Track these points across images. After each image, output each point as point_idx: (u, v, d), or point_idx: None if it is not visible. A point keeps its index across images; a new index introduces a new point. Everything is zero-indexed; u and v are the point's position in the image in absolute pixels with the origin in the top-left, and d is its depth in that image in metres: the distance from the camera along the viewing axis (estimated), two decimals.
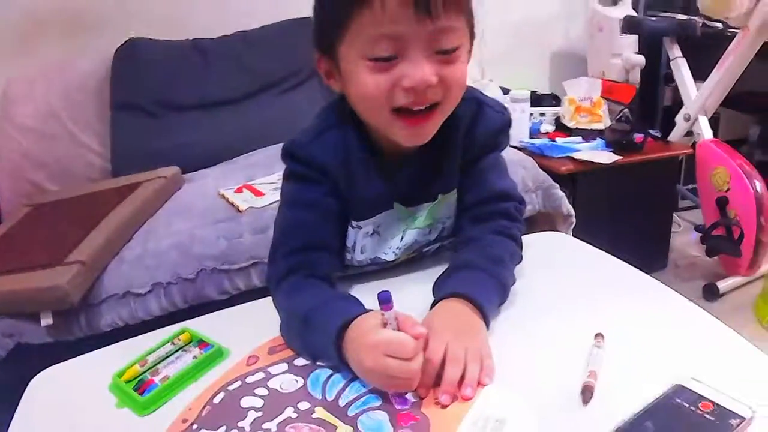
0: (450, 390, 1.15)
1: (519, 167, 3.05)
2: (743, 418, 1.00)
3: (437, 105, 1.34)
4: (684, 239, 4.61)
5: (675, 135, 4.28)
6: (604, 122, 4.17)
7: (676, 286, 1.45)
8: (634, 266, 1.61)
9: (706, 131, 4.04)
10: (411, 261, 1.70)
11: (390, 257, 1.63)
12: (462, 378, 1.17)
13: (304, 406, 1.16)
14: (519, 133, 3.95)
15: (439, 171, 1.53)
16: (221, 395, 1.22)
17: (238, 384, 1.24)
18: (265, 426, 1.11)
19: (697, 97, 4.09)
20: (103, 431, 1.20)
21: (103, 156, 3.60)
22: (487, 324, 1.33)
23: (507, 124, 1.62)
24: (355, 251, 1.58)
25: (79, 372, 1.40)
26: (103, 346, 1.47)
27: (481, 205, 1.58)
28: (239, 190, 2.89)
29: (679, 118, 4.25)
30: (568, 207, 3.15)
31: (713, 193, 3.81)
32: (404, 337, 1.13)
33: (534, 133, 4.14)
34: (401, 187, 1.53)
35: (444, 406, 1.13)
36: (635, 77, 4.75)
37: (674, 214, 4.66)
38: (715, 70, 3.96)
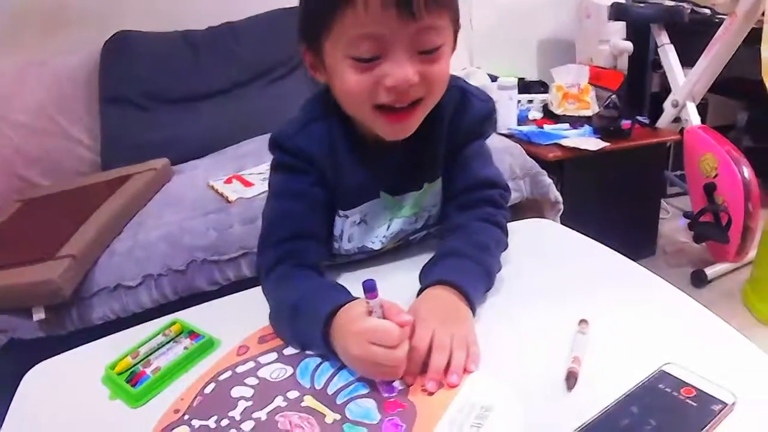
0: (436, 377, 1.16)
1: (506, 154, 3.06)
2: (725, 404, 1.01)
3: (419, 101, 1.36)
4: (672, 226, 4.62)
5: (663, 121, 4.30)
6: (591, 109, 4.17)
7: (664, 273, 1.46)
8: (623, 253, 1.62)
9: (693, 117, 4.06)
10: (397, 249, 1.71)
11: (377, 246, 1.64)
12: (448, 365, 1.18)
13: (293, 394, 1.17)
14: (507, 120, 3.96)
15: (424, 160, 1.54)
16: (212, 385, 1.23)
17: (228, 374, 1.26)
18: (255, 415, 1.12)
19: (685, 84, 4.11)
20: (96, 423, 1.20)
21: (93, 149, 3.61)
22: (473, 311, 1.35)
23: (491, 112, 1.63)
24: (342, 240, 1.60)
25: (72, 365, 1.41)
26: (96, 340, 1.48)
27: (467, 192, 1.59)
28: (228, 181, 2.90)
29: (666, 105, 4.27)
30: (555, 194, 3.16)
31: (701, 180, 3.83)
32: (389, 325, 1.14)
33: (522, 120, 4.14)
34: (387, 177, 1.54)
35: (430, 393, 1.14)
36: (623, 64, 4.77)
37: (662, 201, 4.68)
38: (702, 56, 3.97)
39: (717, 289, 3.87)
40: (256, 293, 1.50)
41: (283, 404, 1.14)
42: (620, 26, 4.70)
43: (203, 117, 3.63)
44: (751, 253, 3.79)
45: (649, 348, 1.20)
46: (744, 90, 4.31)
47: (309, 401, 1.15)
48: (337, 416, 1.10)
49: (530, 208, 3.12)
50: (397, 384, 1.17)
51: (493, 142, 1.66)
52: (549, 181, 3.15)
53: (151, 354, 1.34)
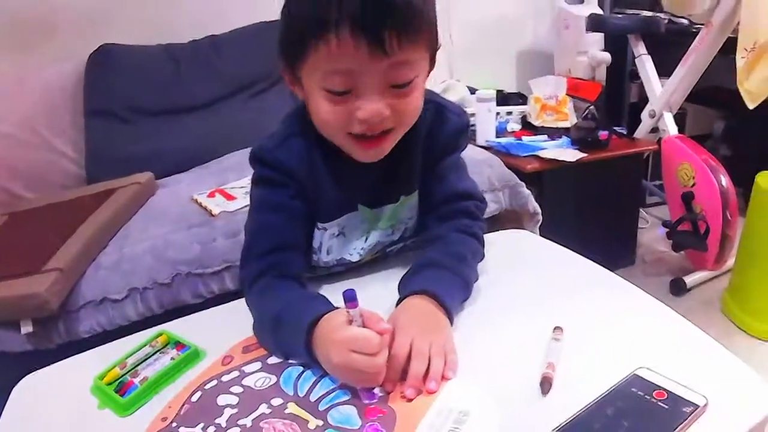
0: (415, 384, 1.19)
1: (485, 166, 3.08)
2: (697, 406, 1.05)
3: (391, 130, 1.39)
4: (651, 235, 4.64)
5: (640, 131, 4.33)
6: (570, 120, 4.19)
7: (643, 282, 1.49)
8: (602, 262, 1.64)
9: (671, 127, 4.08)
10: (375, 261, 1.74)
11: (355, 258, 1.67)
12: (427, 372, 1.21)
13: (277, 402, 1.20)
14: (485, 132, 3.96)
15: (401, 174, 1.58)
16: (198, 394, 1.26)
17: (214, 383, 1.28)
18: (241, 422, 1.15)
19: (662, 94, 4.13)
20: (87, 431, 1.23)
21: (78, 163, 3.61)
22: (451, 320, 1.38)
23: (466, 126, 1.66)
24: (321, 252, 1.62)
25: (61, 376, 1.43)
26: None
27: (444, 204, 1.62)
28: (212, 195, 2.91)
29: (644, 115, 4.30)
30: (534, 205, 3.17)
31: (679, 189, 3.85)
32: (369, 333, 1.17)
33: (501, 132, 4.14)
34: (365, 190, 1.57)
35: (409, 400, 1.17)
36: (601, 75, 4.80)
37: (642, 211, 4.71)
38: (679, 66, 4.00)
39: (696, 297, 3.89)
40: (240, 305, 1.51)
41: (268, 411, 1.17)
42: (598, 37, 4.74)
43: (186, 130, 3.63)
44: (730, 261, 3.81)
45: (623, 354, 1.23)
46: (721, 99, 4.34)
47: (292, 408, 1.18)
48: (320, 422, 1.13)
49: (509, 220, 3.13)
50: (377, 391, 1.20)
51: (472, 153, 1.69)
52: (527, 192, 3.16)
53: (138, 364, 1.36)
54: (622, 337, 1.32)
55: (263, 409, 1.18)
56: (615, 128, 4.12)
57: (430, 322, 1.34)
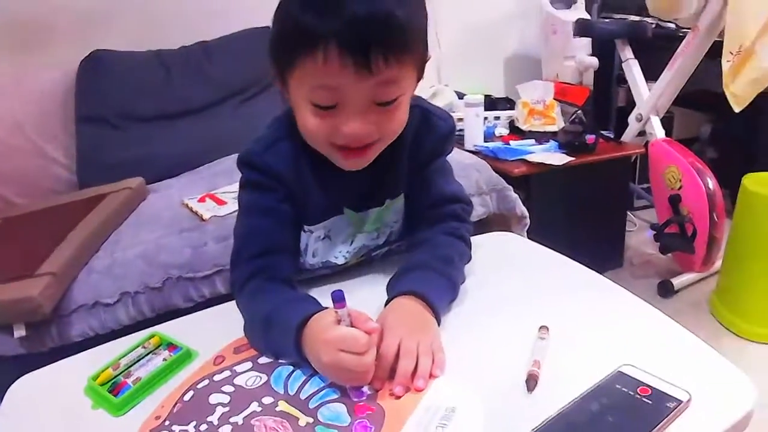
0: (404, 382, 1.21)
1: (473, 170, 3.09)
2: (680, 401, 1.08)
3: (375, 141, 1.41)
4: (640, 238, 4.66)
5: (627, 135, 4.35)
6: (557, 124, 4.19)
7: (631, 284, 1.52)
8: (590, 265, 1.66)
9: (658, 131, 4.10)
10: (360, 265, 1.76)
11: (340, 261, 1.69)
12: (415, 371, 1.23)
13: (267, 400, 1.22)
14: (473, 137, 3.97)
15: (387, 179, 1.59)
16: (191, 393, 1.27)
17: (206, 382, 1.30)
18: (233, 420, 1.17)
19: (649, 98, 4.16)
20: (81, 431, 1.25)
21: (69, 168, 3.61)
22: (438, 320, 1.40)
23: (452, 130, 1.68)
24: (307, 255, 1.64)
25: (55, 377, 1.44)
26: None
27: (431, 208, 1.64)
28: (202, 200, 2.92)
29: (631, 119, 4.32)
30: (521, 208, 3.19)
31: (666, 192, 3.88)
32: (357, 333, 1.19)
33: (489, 136, 4.15)
34: (350, 194, 1.59)
35: (398, 397, 1.19)
36: (589, 79, 4.82)
37: (630, 214, 4.72)
38: (666, 70, 4.02)
39: (684, 299, 3.92)
40: (230, 307, 1.53)
41: (259, 409, 1.19)
42: (585, 42, 4.75)
43: (177, 136, 3.64)
44: (717, 263, 3.84)
45: (608, 352, 1.25)
46: (708, 102, 4.35)
47: (283, 406, 1.20)
48: (310, 419, 1.15)
49: (497, 223, 3.15)
50: (366, 389, 1.22)
51: (460, 158, 1.71)
52: (515, 196, 3.17)
53: (131, 365, 1.38)
54: (608, 335, 1.35)
55: (254, 407, 1.20)
56: (602, 132, 4.14)
57: (417, 321, 1.36)
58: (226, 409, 1.21)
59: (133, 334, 1.54)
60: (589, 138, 3.84)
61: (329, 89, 1.30)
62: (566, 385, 1.16)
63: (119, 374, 1.36)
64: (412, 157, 1.60)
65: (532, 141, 4.06)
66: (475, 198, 2.97)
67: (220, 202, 2.86)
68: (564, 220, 3.83)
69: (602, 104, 5.01)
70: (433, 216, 1.65)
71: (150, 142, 3.58)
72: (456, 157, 1.71)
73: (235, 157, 1.56)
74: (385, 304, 1.44)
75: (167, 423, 1.20)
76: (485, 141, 4.03)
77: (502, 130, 4.34)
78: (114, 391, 1.30)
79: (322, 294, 1.41)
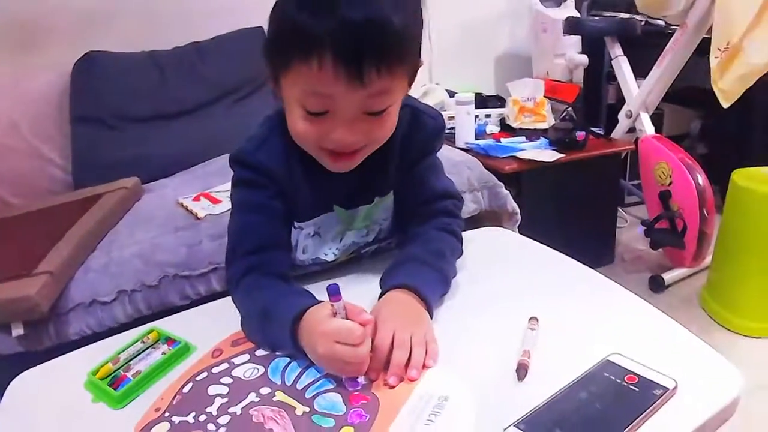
0: (397, 372, 1.24)
1: (464, 168, 3.11)
2: (666, 389, 1.11)
3: (364, 146, 1.43)
4: (631, 234, 4.68)
5: (617, 132, 4.36)
6: (547, 122, 4.22)
7: (622, 280, 1.53)
8: (581, 261, 1.69)
9: (647, 127, 4.11)
10: (350, 261, 1.78)
11: (330, 257, 1.71)
12: (408, 361, 1.26)
13: (265, 391, 1.25)
14: (464, 134, 3.98)
15: (377, 176, 1.62)
16: (190, 385, 1.30)
17: (204, 374, 1.33)
18: (231, 410, 1.20)
19: (638, 94, 4.16)
20: (82, 424, 1.27)
21: (65, 169, 3.61)
22: (431, 313, 1.43)
23: (442, 128, 1.70)
24: (297, 251, 1.66)
25: (55, 373, 1.46)
26: None
27: (423, 204, 1.67)
28: (197, 199, 2.93)
29: (621, 115, 4.32)
30: (513, 205, 3.20)
31: (656, 188, 3.89)
32: (352, 325, 1.21)
33: (480, 134, 4.16)
34: (340, 191, 1.61)
35: (392, 387, 1.22)
36: (579, 76, 4.83)
37: (621, 210, 4.74)
38: (655, 67, 4.03)
39: (675, 294, 3.94)
40: (227, 302, 1.56)
41: (257, 399, 1.22)
42: (575, 40, 4.77)
43: (171, 136, 3.65)
44: (708, 258, 3.85)
45: (597, 342, 1.28)
46: (698, 99, 4.36)
47: (280, 396, 1.22)
48: (306, 409, 1.18)
49: (488, 220, 3.15)
50: (361, 379, 1.25)
51: (452, 155, 1.72)
52: (506, 192, 3.18)
53: (131, 360, 1.40)
54: (597, 326, 1.38)
55: (252, 397, 1.23)
56: (592, 129, 4.15)
57: (410, 314, 1.39)
58: (225, 399, 1.23)
59: (131, 330, 1.56)
60: (580, 135, 3.85)
61: (321, 96, 1.32)
62: (555, 374, 1.19)
63: (119, 368, 1.38)
64: (402, 155, 1.62)
65: (523, 138, 4.08)
66: (466, 195, 2.99)
67: (215, 201, 2.87)
68: (555, 216, 3.85)
69: (592, 101, 5.02)
70: (425, 212, 1.67)
71: (145, 142, 3.59)
72: (447, 154, 1.73)
73: (228, 156, 1.58)
74: (379, 298, 1.46)
75: (167, 414, 1.22)
76: (476, 138, 4.04)
77: (493, 128, 4.36)
78: (114, 384, 1.32)
79: (313, 290, 1.45)
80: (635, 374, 1.16)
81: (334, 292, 1.23)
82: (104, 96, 3.64)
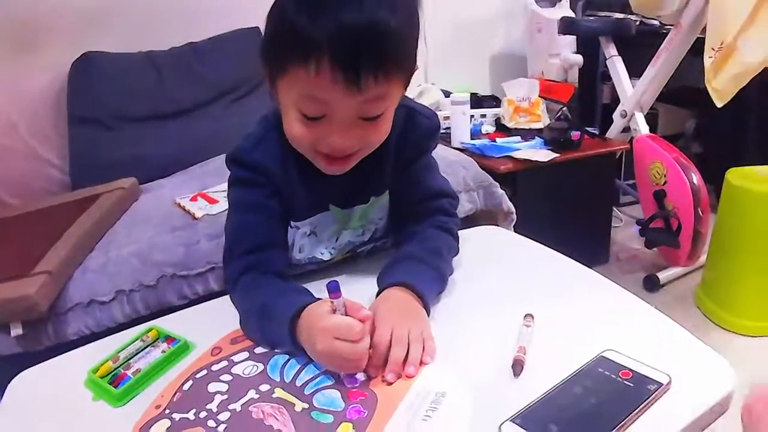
0: (395, 369, 1.25)
1: (460, 167, 3.11)
2: (660, 384, 1.12)
3: (358, 150, 1.44)
4: (626, 233, 4.71)
5: (612, 131, 4.37)
6: (543, 121, 4.23)
7: (618, 279, 1.53)
8: (576, 261, 1.70)
9: (642, 127, 4.13)
10: (346, 261, 1.80)
11: (326, 256, 1.72)
12: (406, 358, 1.27)
13: (264, 387, 1.26)
14: (460, 134, 3.99)
15: (372, 176, 1.62)
16: (190, 383, 1.31)
17: (204, 372, 1.34)
18: (231, 407, 1.21)
19: (633, 94, 4.18)
20: (82, 421, 1.27)
21: (62, 169, 3.62)
22: (428, 310, 1.44)
23: (436, 128, 1.70)
24: (293, 250, 1.67)
25: (55, 372, 1.47)
26: None
27: (419, 203, 1.68)
28: (194, 199, 2.93)
29: (616, 115, 4.34)
30: (508, 204, 3.21)
31: (651, 187, 3.91)
32: (352, 321, 1.22)
33: (475, 134, 4.16)
34: (336, 191, 1.62)
35: (390, 383, 1.23)
36: (574, 76, 4.84)
37: (616, 210, 4.77)
38: (649, 66, 4.05)
39: (670, 293, 3.96)
40: (225, 301, 1.57)
41: (256, 396, 1.23)
42: (570, 40, 4.78)
43: (169, 136, 3.65)
44: (702, 257, 3.87)
45: (592, 338, 1.29)
46: (692, 98, 4.37)
47: (279, 393, 1.24)
48: (306, 405, 1.20)
49: (484, 219, 3.14)
50: (359, 376, 1.26)
51: (447, 155, 1.73)
52: (502, 192, 3.19)
53: (130, 358, 1.41)
54: (592, 323, 1.39)
55: (252, 394, 1.24)
56: (587, 129, 4.16)
57: (408, 311, 1.40)
58: (225, 396, 1.25)
59: (131, 329, 1.57)
60: (574, 135, 3.86)
61: (318, 101, 1.33)
62: (551, 370, 1.20)
63: (119, 366, 1.39)
64: (398, 155, 1.63)
65: (518, 138, 4.09)
66: (462, 194, 2.99)
67: (212, 201, 2.88)
68: (550, 216, 3.85)
69: (587, 101, 5.03)
70: (421, 211, 1.69)
71: (142, 142, 3.60)
72: (443, 154, 1.74)
73: (225, 156, 1.59)
74: (376, 295, 1.47)
75: (167, 411, 1.23)
76: (472, 138, 4.05)
77: (489, 128, 4.38)
78: (114, 382, 1.33)
79: (310, 289, 1.46)
80: (630, 370, 1.18)
81: (334, 289, 1.24)
82: (101, 96, 3.65)
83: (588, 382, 1.15)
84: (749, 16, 3.25)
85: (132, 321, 2.41)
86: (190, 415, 1.20)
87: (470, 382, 1.22)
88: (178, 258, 2.54)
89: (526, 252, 1.83)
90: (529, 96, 4.29)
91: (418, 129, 1.64)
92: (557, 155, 3.74)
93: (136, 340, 1.47)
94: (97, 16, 3.93)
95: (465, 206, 3.01)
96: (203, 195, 2.96)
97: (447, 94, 4.48)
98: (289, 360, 1.35)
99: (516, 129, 4.21)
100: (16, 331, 2.25)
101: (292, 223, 1.63)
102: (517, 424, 1.07)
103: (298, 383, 1.27)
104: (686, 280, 4.07)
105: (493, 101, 4.80)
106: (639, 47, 4.25)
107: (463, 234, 1.76)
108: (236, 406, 1.22)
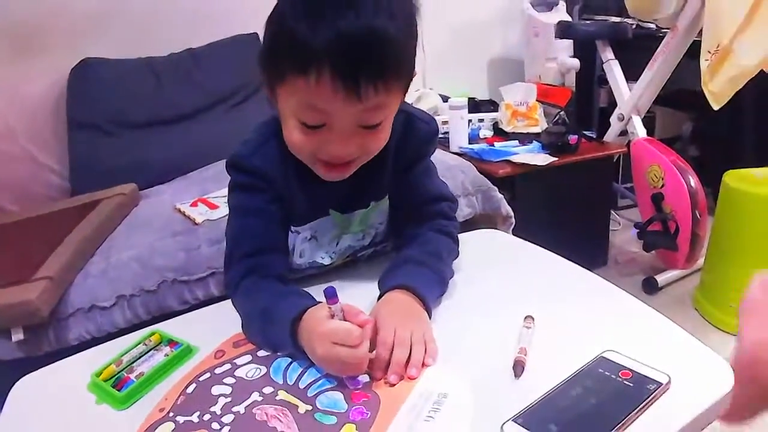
0: (398, 370, 1.26)
1: (458, 172, 3.12)
2: (660, 384, 1.13)
3: (357, 158, 1.45)
4: (624, 237, 4.72)
5: (610, 135, 4.40)
6: (540, 126, 4.23)
7: (616, 282, 1.54)
8: (575, 264, 1.71)
9: (639, 130, 4.15)
10: (347, 265, 1.80)
11: (326, 261, 1.73)
12: (408, 360, 1.28)
13: (268, 390, 1.27)
14: (458, 139, 4.00)
15: (372, 181, 1.62)
16: (193, 386, 1.32)
17: (207, 375, 1.35)
18: (235, 409, 1.22)
19: (630, 97, 4.21)
20: (86, 425, 1.28)
21: (62, 175, 3.64)
22: (429, 313, 1.45)
23: (435, 133, 1.71)
24: (294, 255, 1.68)
25: (58, 376, 1.47)
26: None
27: (419, 207, 1.69)
28: (194, 204, 2.93)
29: (613, 119, 4.37)
30: (507, 208, 3.23)
31: (649, 190, 3.93)
32: (350, 326, 1.23)
33: (473, 138, 4.17)
34: (336, 196, 1.62)
35: (392, 385, 1.24)
36: (571, 80, 4.85)
37: (614, 213, 4.79)
38: (646, 70, 4.08)
39: (668, 295, 3.98)
40: (227, 305, 1.57)
41: (260, 398, 1.24)
42: (567, 44, 4.80)
43: (168, 142, 3.66)
44: (700, 260, 3.88)
45: (591, 339, 1.30)
46: (689, 101, 4.38)
47: (283, 395, 1.25)
48: (309, 407, 1.20)
49: (483, 223, 3.14)
50: (361, 378, 1.27)
51: (446, 159, 1.73)
52: (500, 196, 3.20)
53: (134, 361, 1.42)
54: (591, 324, 1.40)
55: (255, 397, 1.25)
56: (585, 132, 4.16)
57: (410, 313, 1.41)
58: (228, 399, 1.25)
59: (133, 333, 1.57)
60: (572, 138, 3.87)
61: (318, 111, 1.33)
62: (551, 370, 1.21)
63: (122, 370, 1.39)
64: (397, 160, 1.63)
65: (516, 142, 4.09)
66: (461, 199, 3.00)
67: (213, 206, 2.88)
68: (548, 219, 3.83)
69: (584, 105, 5.05)
70: (421, 214, 1.69)
71: (141, 148, 3.60)
72: (441, 158, 1.75)
73: (224, 162, 1.59)
74: (378, 299, 1.48)
75: (171, 414, 1.24)
76: (470, 143, 4.05)
77: (487, 132, 4.38)
78: (117, 386, 1.34)
79: (310, 293, 1.46)
80: (629, 370, 1.18)
81: (330, 295, 1.25)
82: (101, 102, 3.65)
83: (588, 382, 1.16)
84: (745, 19, 3.27)
85: (133, 326, 2.38)
86: (194, 418, 1.21)
87: (472, 383, 1.23)
88: (179, 263, 2.54)
89: (526, 255, 1.84)
90: (527, 100, 4.30)
91: (417, 134, 1.65)
92: (555, 159, 3.75)
93: (139, 343, 1.48)
94: (97, 22, 3.92)
95: (464, 210, 3.02)
96: (203, 200, 2.96)
97: (445, 98, 4.49)
98: (291, 363, 1.35)
99: (514, 133, 4.21)
100: (18, 336, 2.24)
101: (293, 228, 1.64)
102: (518, 424, 1.07)
103: (301, 385, 1.28)
104: (684, 282, 4.08)
105: (491, 106, 4.81)
106: (636, 51, 4.27)
107: (462, 237, 1.77)
108: (240, 408, 1.22)
